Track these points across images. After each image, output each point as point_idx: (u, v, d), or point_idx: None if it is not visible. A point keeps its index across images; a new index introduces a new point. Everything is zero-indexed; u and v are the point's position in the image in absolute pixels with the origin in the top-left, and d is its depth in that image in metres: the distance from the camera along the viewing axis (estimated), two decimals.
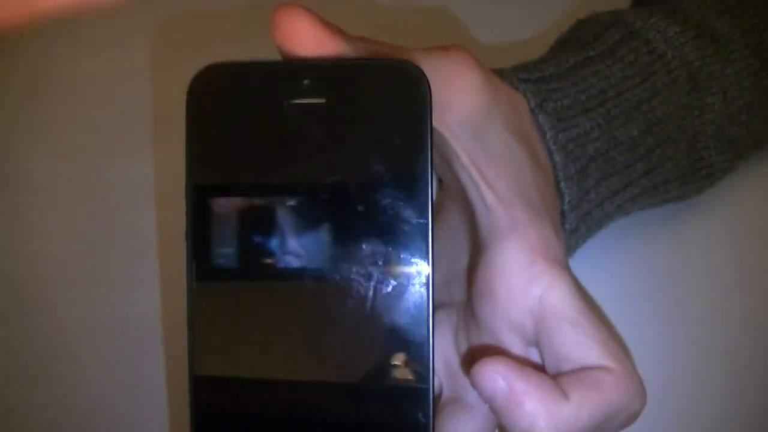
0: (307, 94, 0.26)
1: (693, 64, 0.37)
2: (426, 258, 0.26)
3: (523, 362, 0.28)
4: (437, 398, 0.31)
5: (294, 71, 0.26)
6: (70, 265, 0.38)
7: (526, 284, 0.28)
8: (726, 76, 0.37)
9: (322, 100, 0.26)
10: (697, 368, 0.36)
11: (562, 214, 0.33)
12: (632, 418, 0.27)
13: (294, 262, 0.26)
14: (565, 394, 0.26)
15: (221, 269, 0.27)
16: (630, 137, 0.35)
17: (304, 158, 0.26)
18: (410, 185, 0.26)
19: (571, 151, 0.33)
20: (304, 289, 0.26)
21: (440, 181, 0.35)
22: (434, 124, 0.27)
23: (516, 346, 0.29)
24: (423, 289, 0.26)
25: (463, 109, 0.29)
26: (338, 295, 0.26)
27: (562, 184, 0.33)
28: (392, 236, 0.26)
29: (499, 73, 0.33)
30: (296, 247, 0.26)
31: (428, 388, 0.26)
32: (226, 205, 0.27)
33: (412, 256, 0.26)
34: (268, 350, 0.27)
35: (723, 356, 0.36)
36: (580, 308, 0.28)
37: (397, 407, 0.26)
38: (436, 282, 0.27)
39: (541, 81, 0.34)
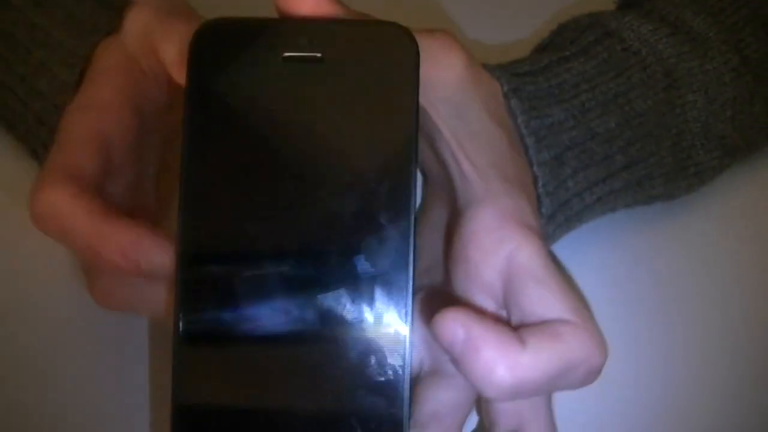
0: (303, 50, 0.27)
1: (668, 60, 0.37)
2: (407, 236, 0.26)
3: (486, 315, 0.28)
4: (418, 378, 0.31)
5: (291, 28, 0.27)
6: (70, 264, 0.38)
7: (495, 244, 0.29)
8: (706, 73, 0.37)
9: (317, 57, 0.27)
10: (698, 368, 0.36)
11: (537, 197, 0.34)
12: (593, 374, 0.28)
13: (270, 247, 0.27)
14: (523, 342, 0.26)
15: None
16: (607, 129, 0.35)
17: (296, 118, 0.27)
18: (395, 150, 0.27)
19: (543, 137, 0.34)
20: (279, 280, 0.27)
21: (425, 178, 0.36)
22: (420, 100, 0.28)
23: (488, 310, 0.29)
24: (403, 273, 0.26)
25: (447, 86, 0.31)
26: (313, 284, 0.27)
27: (535, 167, 0.34)
28: (372, 218, 0.26)
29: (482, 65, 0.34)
30: (274, 225, 0.27)
31: (405, 386, 0.27)
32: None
33: (394, 234, 0.26)
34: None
35: (723, 356, 0.37)
36: (545, 266, 0.28)
37: (373, 404, 0.26)
38: (418, 271, 0.28)
39: (516, 75, 0.35)
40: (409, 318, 0.27)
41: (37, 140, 0.37)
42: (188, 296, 0.27)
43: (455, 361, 0.27)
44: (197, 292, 0.27)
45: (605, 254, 0.39)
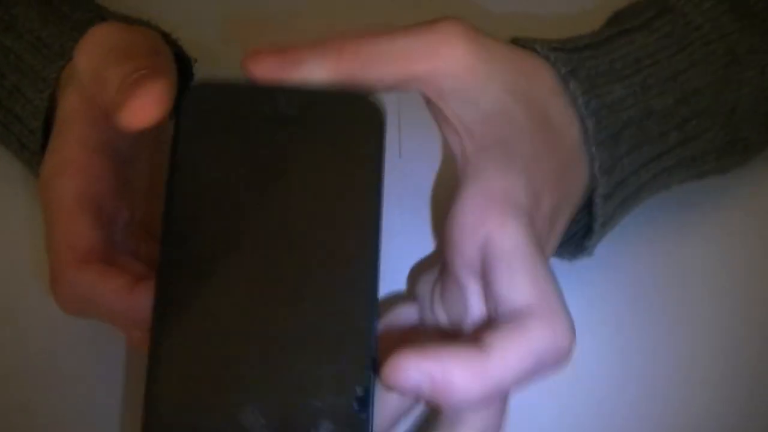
0: (280, 112, 0.30)
1: (731, 36, 0.37)
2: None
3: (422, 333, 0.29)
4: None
5: (270, 92, 0.30)
6: None
7: (476, 225, 0.29)
8: (765, 51, 0.37)
9: (292, 118, 0.30)
10: (698, 368, 0.36)
11: (593, 177, 0.34)
12: (563, 357, 0.28)
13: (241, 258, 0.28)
14: (484, 351, 0.27)
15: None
16: (665, 106, 0.35)
17: (271, 175, 0.29)
18: (360, 206, 0.29)
19: (603, 117, 0.34)
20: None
21: None
22: (428, 94, 0.31)
23: (474, 292, 0.30)
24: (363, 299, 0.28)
25: (453, 77, 0.31)
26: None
27: (593, 148, 0.33)
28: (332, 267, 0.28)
29: (522, 42, 0.35)
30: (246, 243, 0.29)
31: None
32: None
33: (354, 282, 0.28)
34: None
35: (724, 356, 0.37)
36: (518, 247, 0.29)
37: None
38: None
39: (574, 51, 0.34)
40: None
41: (23, 160, 0.38)
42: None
43: (429, 401, 0.27)
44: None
45: (607, 255, 0.38)
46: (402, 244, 0.33)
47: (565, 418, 0.34)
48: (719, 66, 0.36)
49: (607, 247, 0.37)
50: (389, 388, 0.27)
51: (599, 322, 0.37)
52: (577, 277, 0.38)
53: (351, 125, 0.30)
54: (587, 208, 0.35)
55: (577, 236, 0.36)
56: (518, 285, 0.28)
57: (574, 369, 0.35)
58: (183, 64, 0.40)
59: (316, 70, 0.30)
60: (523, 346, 0.27)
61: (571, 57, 0.34)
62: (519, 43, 0.35)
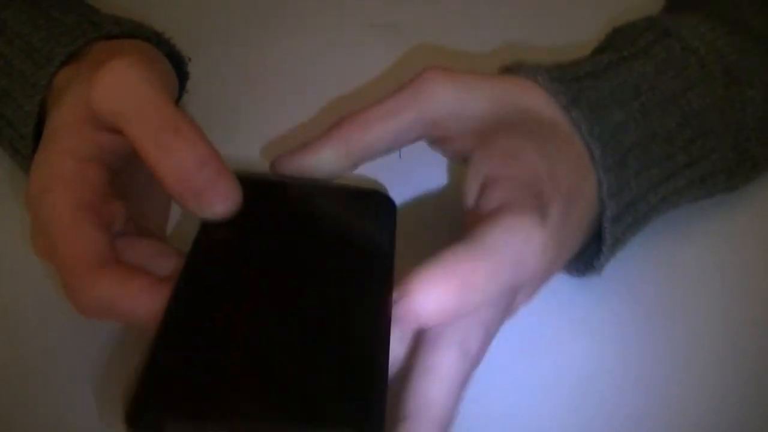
0: (299, 208, 0.33)
1: (728, 57, 0.37)
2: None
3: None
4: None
5: (293, 187, 0.34)
6: None
7: (483, 161, 0.33)
8: (766, 70, 0.38)
9: (307, 216, 0.33)
10: (699, 368, 0.36)
11: (601, 201, 0.34)
12: (533, 247, 0.29)
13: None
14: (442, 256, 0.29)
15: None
16: (667, 130, 0.36)
17: (289, 266, 0.30)
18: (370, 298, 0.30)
19: (606, 141, 0.34)
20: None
21: None
22: (426, 133, 0.35)
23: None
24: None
25: (440, 104, 0.34)
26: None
27: (601, 173, 0.34)
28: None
29: (511, 67, 0.36)
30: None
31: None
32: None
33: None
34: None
35: (725, 356, 0.36)
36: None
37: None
38: None
39: (574, 80, 0.35)
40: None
41: (17, 162, 0.38)
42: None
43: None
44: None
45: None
46: (401, 245, 0.33)
47: (566, 419, 0.34)
48: (718, 86, 0.37)
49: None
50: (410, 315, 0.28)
51: (600, 325, 0.37)
52: (578, 278, 0.38)
53: (367, 215, 0.33)
54: (597, 234, 0.36)
55: (587, 255, 0.37)
56: (498, 191, 0.30)
57: (575, 370, 0.36)
58: (177, 63, 0.39)
59: (329, 153, 0.34)
60: (486, 243, 0.29)
61: (571, 87, 0.35)
62: (508, 68, 0.36)
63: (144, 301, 0.29)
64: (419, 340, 0.30)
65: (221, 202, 0.29)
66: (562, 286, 0.37)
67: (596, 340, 0.37)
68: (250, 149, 0.44)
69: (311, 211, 0.33)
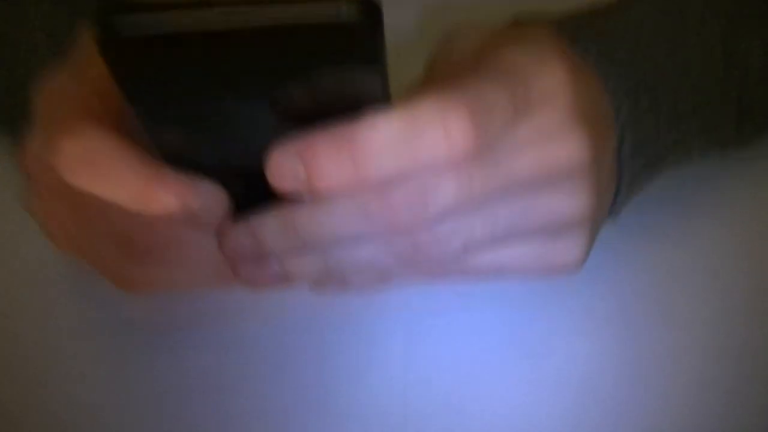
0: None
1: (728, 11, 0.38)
2: None
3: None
4: None
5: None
6: (70, 263, 0.38)
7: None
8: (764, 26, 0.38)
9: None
10: (699, 369, 0.36)
11: (619, 136, 0.34)
12: (455, 148, 0.27)
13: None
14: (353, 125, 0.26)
15: None
16: (674, 65, 0.36)
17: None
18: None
19: (621, 71, 0.35)
20: None
21: None
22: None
23: None
24: None
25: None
26: None
27: (615, 99, 0.34)
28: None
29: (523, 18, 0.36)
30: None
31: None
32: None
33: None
34: None
35: (725, 356, 0.36)
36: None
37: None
38: None
39: (581, 18, 0.36)
40: None
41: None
42: None
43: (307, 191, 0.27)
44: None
45: (610, 254, 0.38)
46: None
47: (566, 419, 0.34)
48: (721, 33, 0.37)
49: (604, 247, 0.37)
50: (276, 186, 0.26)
51: (600, 325, 0.37)
52: (576, 278, 0.37)
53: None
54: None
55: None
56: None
57: (575, 370, 0.36)
58: None
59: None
60: (402, 118, 0.26)
61: (579, 23, 0.35)
62: (521, 19, 0.35)
63: (145, 169, 0.27)
64: None
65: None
66: (562, 286, 0.37)
67: (596, 341, 0.36)
68: None
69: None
